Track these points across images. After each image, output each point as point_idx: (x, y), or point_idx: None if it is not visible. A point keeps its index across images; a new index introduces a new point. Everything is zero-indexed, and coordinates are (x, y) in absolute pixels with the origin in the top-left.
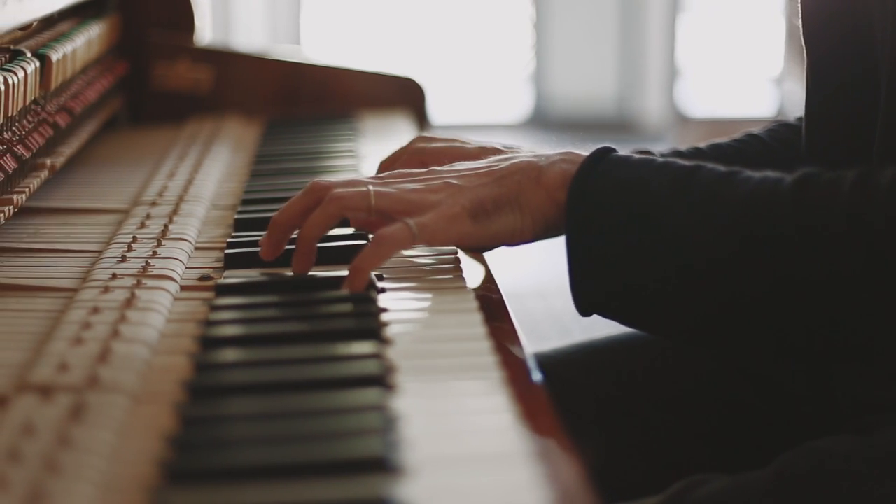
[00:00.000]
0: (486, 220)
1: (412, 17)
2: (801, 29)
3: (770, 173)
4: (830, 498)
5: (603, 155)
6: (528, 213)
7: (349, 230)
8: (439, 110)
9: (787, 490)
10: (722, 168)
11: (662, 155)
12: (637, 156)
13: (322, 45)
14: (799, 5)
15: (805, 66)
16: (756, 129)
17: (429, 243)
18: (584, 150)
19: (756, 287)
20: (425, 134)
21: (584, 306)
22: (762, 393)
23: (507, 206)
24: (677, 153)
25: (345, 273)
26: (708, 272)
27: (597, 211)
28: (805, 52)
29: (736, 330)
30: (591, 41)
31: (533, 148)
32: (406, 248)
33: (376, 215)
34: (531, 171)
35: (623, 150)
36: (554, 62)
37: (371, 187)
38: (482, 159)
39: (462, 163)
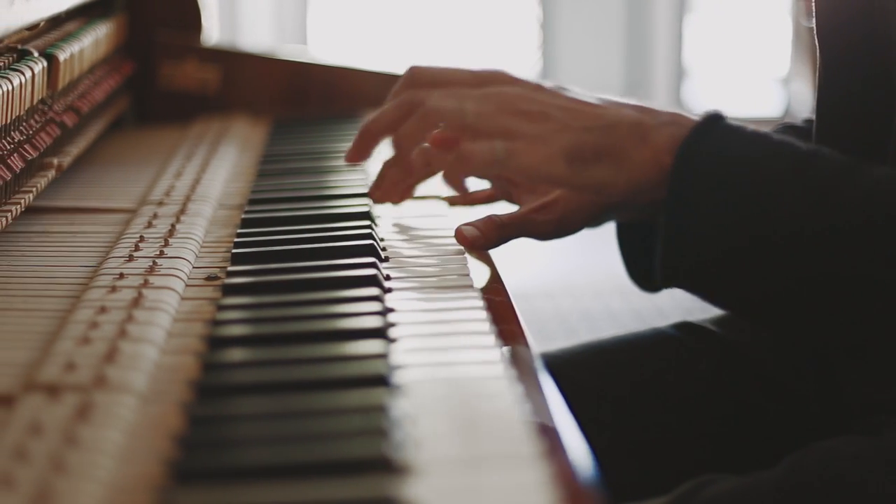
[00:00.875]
0: (582, 166)
1: (419, 17)
2: (814, 28)
3: (892, 170)
4: (840, 499)
5: (714, 122)
6: (626, 170)
7: (356, 223)
8: None
9: (797, 490)
10: (841, 157)
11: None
12: (750, 128)
13: (329, 45)
14: (812, 5)
15: (818, 66)
16: (761, 131)
17: (514, 173)
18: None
19: (864, 280)
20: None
21: (667, 275)
22: (770, 393)
23: (607, 157)
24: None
25: (360, 272)
26: (816, 259)
27: (704, 182)
28: (818, 51)
29: (827, 317)
30: (597, 41)
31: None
32: (489, 172)
33: (468, 132)
34: (640, 127)
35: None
36: (561, 62)
37: (468, 104)
38: (530, 90)
39: (566, 90)
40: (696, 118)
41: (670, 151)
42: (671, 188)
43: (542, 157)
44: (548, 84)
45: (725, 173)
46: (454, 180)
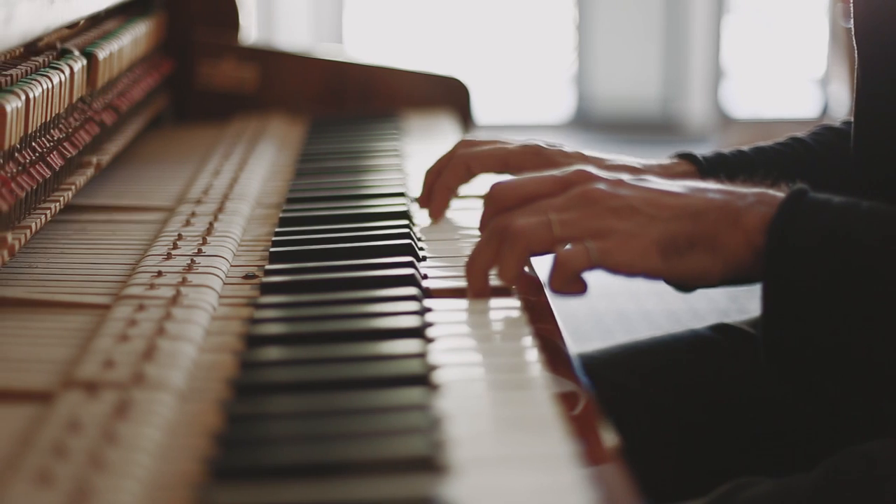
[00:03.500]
0: (677, 257)
1: (454, 17)
2: (852, 29)
3: None
4: (876, 502)
5: (801, 197)
6: (721, 256)
7: (394, 223)
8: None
9: (834, 494)
10: None
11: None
12: (837, 199)
13: (365, 44)
14: (851, 6)
15: (855, 67)
16: (800, 133)
17: (611, 270)
18: (779, 192)
19: None
20: (468, 137)
21: (774, 354)
22: (805, 395)
23: (700, 244)
24: (721, 156)
25: (398, 272)
26: None
27: (798, 260)
28: (856, 52)
29: None
30: (634, 42)
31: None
32: (583, 271)
33: (560, 244)
34: (729, 211)
35: (815, 194)
36: (597, 63)
37: (553, 216)
38: (632, 175)
39: (647, 181)
40: (781, 195)
41: (762, 231)
42: (767, 267)
43: (636, 252)
44: (627, 177)
45: (818, 248)
46: (557, 287)
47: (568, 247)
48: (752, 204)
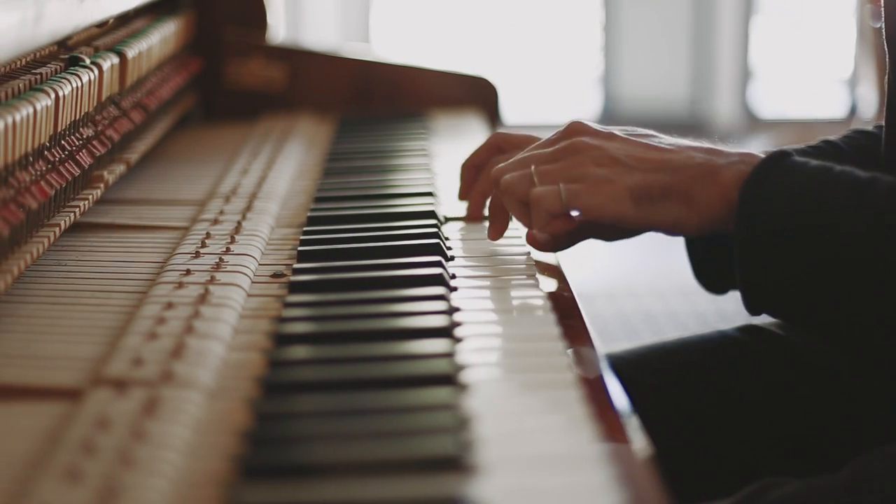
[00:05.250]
0: (650, 205)
1: (481, 17)
2: (882, 30)
3: None
4: None
5: (780, 158)
6: (696, 209)
7: (422, 222)
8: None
9: (861, 494)
10: None
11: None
12: (815, 163)
13: (392, 44)
14: (881, 7)
15: (887, 69)
16: (832, 136)
17: (582, 212)
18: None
19: None
20: (501, 131)
21: (753, 305)
22: (835, 396)
23: (674, 196)
24: None
25: (426, 271)
26: (879, 278)
27: (768, 215)
28: (887, 54)
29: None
30: (661, 42)
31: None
32: (554, 212)
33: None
34: (708, 168)
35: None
36: (623, 63)
37: (534, 168)
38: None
39: (639, 136)
40: (761, 156)
41: (737, 188)
42: (739, 223)
43: (607, 195)
44: (619, 131)
45: (787, 206)
46: (534, 225)
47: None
48: (733, 163)
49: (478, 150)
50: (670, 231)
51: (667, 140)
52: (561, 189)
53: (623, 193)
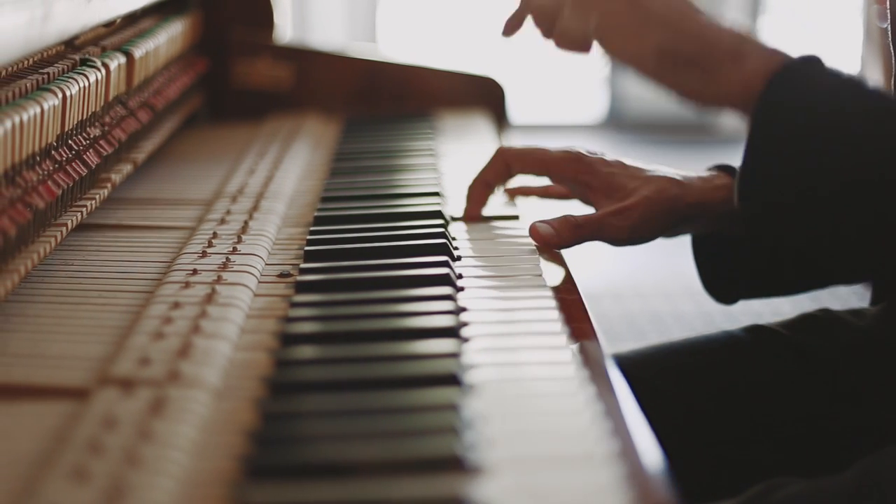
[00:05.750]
0: (672, 68)
1: (488, 17)
2: (889, 31)
3: None
4: None
5: (811, 62)
6: (715, 86)
7: (429, 222)
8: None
9: (868, 495)
10: None
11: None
12: (847, 73)
13: (398, 43)
14: (887, 7)
15: (894, 68)
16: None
17: (603, 47)
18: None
19: None
20: (505, 144)
21: (747, 193)
22: (840, 397)
23: (698, 68)
24: None
25: (433, 271)
26: (883, 202)
27: (788, 114)
28: (894, 54)
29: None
30: None
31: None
32: (579, 37)
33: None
34: (738, 50)
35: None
36: None
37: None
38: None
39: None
40: (794, 57)
41: (763, 78)
42: (757, 111)
43: (634, 46)
44: None
45: (809, 109)
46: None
47: None
48: (765, 54)
49: (485, 168)
50: (682, 97)
51: (706, 15)
52: (592, 25)
53: (650, 49)
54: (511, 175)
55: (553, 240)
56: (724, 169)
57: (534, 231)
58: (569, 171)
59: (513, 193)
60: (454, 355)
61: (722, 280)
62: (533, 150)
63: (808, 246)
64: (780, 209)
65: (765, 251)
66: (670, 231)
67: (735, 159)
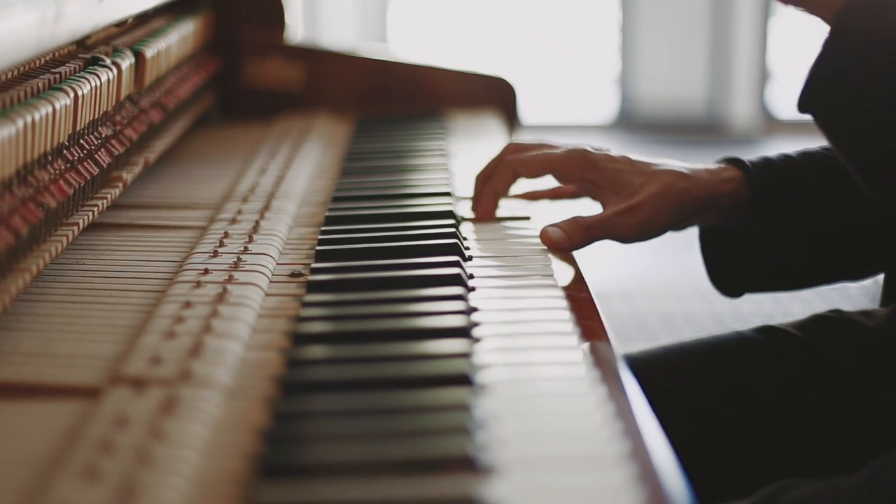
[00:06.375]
0: None
1: (499, 17)
2: None
3: None
4: None
5: None
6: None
7: (440, 222)
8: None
9: (879, 495)
10: None
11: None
12: None
13: (409, 43)
14: None
15: None
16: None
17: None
18: None
19: None
20: (514, 140)
21: (809, 99)
22: (852, 398)
23: None
24: (769, 161)
25: (444, 271)
26: None
27: (868, 23)
28: None
29: None
30: (679, 43)
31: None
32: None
33: None
34: None
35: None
36: (641, 64)
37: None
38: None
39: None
40: None
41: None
42: (836, 24)
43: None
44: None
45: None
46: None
47: None
48: None
49: (492, 161)
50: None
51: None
52: None
53: None
54: (519, 179)
55: (564, 243)
56: (733, 161)
57: (544, 236)
58: (575, 170)
59: (523, 199)
60: (465, 355)
61: (728, 273)
62: (538, 154)
63: (823, 226)
64: (840, 117)
65: (772, 244)
66: (679, 225)
67: (746, 158)
